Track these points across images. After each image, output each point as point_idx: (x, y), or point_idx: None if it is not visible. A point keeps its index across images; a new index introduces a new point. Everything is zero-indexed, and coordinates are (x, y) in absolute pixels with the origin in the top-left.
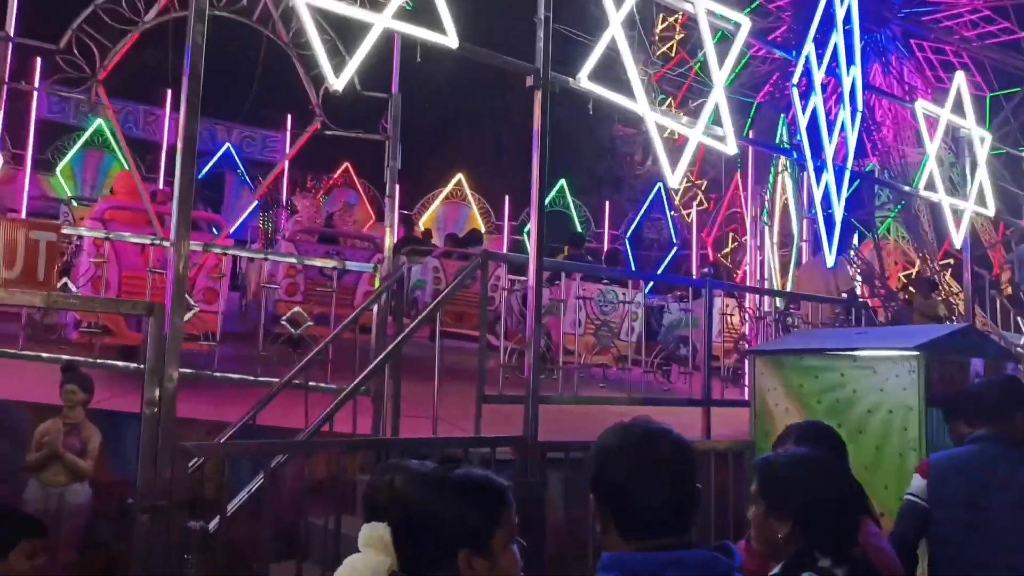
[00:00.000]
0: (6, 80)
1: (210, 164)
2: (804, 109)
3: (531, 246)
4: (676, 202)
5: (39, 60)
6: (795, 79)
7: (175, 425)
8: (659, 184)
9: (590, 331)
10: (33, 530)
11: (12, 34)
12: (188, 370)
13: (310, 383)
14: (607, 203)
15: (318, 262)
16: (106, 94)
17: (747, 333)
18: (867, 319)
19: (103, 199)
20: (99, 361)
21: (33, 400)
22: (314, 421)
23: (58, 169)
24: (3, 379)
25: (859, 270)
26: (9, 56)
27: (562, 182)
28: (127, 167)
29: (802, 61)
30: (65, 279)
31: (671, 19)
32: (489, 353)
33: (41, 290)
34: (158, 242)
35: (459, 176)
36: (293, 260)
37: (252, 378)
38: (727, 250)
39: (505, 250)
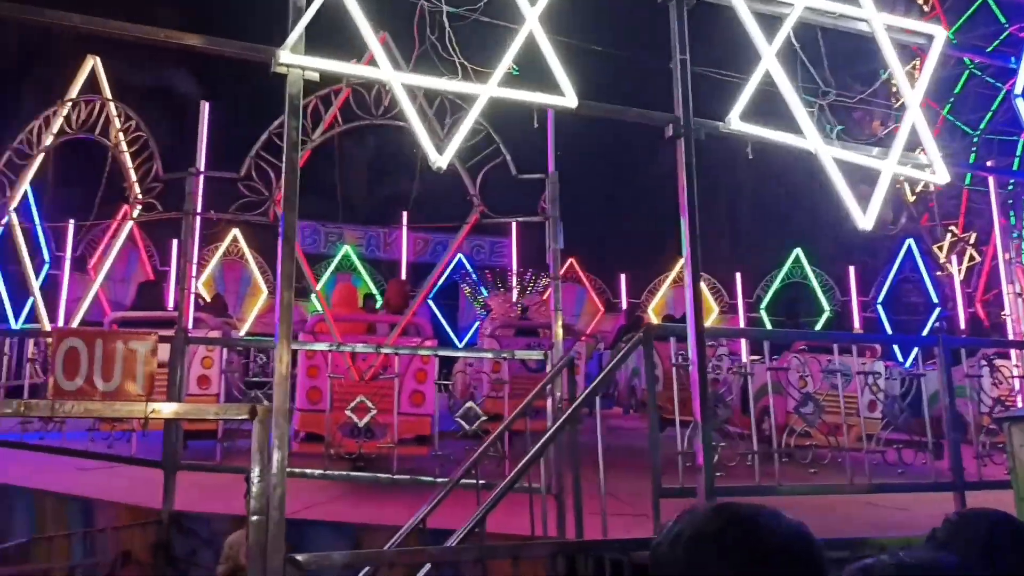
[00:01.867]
0: (198, 211)
1: (444, 274)
2: None
3: (688, 315)
4: (942, 258)
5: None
6: (1019, 89)
7: (284, 533)
8: (908, 241)
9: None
10: None
11: (203, 168)
12: (361, 474)
13: (480, 481)
14: (850, 268)
15: (488, 354)
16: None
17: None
18: None
19: (315, 314)
20: (297, 470)
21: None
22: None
23: (312, 296)
24: (209, 493)
25: None
26: (201, 189)
27: (797, 251)
28: (373, 288)
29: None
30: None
31: None
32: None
33: (140, 401)
34: (334, 347)
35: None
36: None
37: (429, 479)
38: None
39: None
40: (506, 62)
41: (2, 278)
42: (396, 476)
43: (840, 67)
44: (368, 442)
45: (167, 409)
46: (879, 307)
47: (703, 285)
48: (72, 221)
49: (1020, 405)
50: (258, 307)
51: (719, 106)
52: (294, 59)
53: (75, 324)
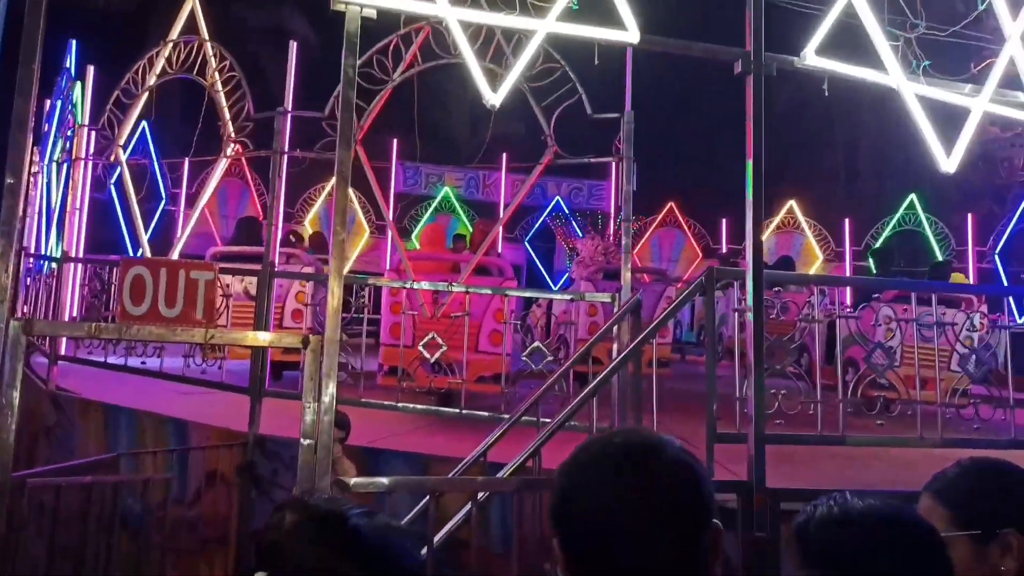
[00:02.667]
0: (285, 150)
1: (542, 217)
2: None
3: (748, 261)
4: None
5: (395, 141)
6: None
7: (331, 457)
8: None
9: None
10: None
11: (290, 108)
12: (423, 407)
13: (536, 419)
14: (969, 216)
15: (557, 296)
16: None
17: None
18: None
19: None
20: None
21: None
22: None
23: (413, 235)
24: (293, 419)
25: None
26: (288, 128)
27: (911, 197)
28: (470, 228)
29: None
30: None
31: None
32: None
33: (199, 327)
34: (405, 285)
35: (790, 202)
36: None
37: (493, 415)
38: None
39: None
40: None
41: (123, 212)
42: (463, 411)
43: None
44: (443, 378)
45: (225, 335)
46: (996, 257)
47: (809, 233)
48: (187, 159)
49: None
50: (360, 245)
51: (793, 41)
52: None
53: (175, 255)
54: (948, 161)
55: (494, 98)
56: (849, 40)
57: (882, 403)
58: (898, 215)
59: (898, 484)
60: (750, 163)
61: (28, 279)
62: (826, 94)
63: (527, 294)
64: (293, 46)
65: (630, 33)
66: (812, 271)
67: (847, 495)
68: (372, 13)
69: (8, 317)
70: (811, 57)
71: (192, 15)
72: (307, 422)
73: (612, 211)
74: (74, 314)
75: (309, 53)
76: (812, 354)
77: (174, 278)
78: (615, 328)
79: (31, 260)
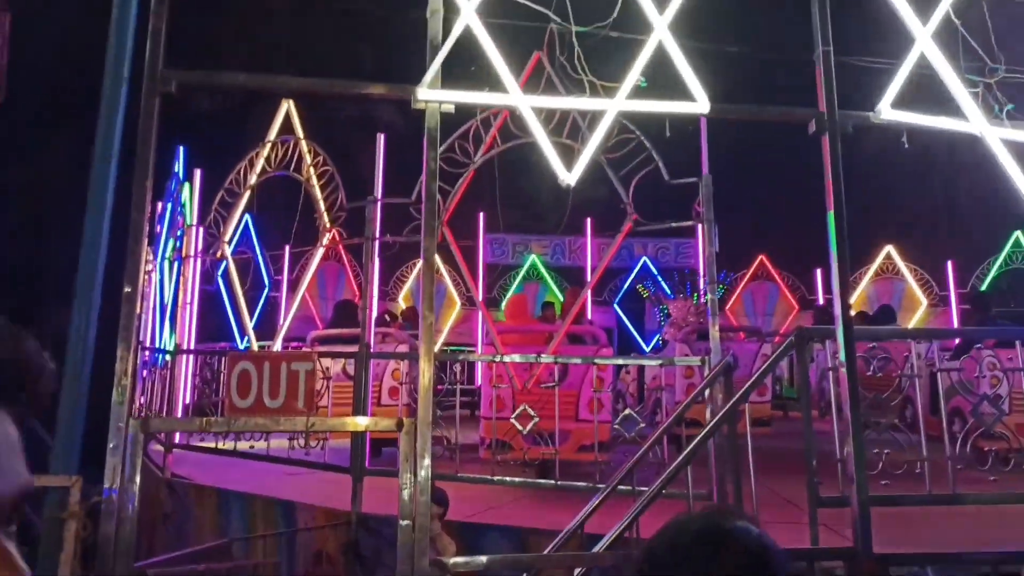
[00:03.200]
0: (376, 236)
1: (630, 279)
2: None
3: (837, 317)
4: None
5: (481, 215)
6: None
7: (428, 536)
8: None
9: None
10: None
11: (380, 197)
12: (519, 480)
13: (632, 488)
14: None
15: (622, 360)
16: (452, 234)
17: None
18: None
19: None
20: (471, 476)
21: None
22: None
23: (502, 305)
24: (394, 496)
25: None
26: (378, 215)
27: (1016, 235)
28: (558, 294)
29: None
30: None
31: None
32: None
33: (301, 416)
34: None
35: (888, 248)
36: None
37: (587, 485)
38: None
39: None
40: (634, 74)
41: (229, 303)
42: (559, 483)
43: (1013, 36)
44: (540, 448)
45: (325, 422)
46: None
47: (910, 278)
48: (287, 247)
49: None
50: (452, 318)
51: (862, 96)
52: (430, 95)
53: (279, 340)
54: None
55: (569, 178)
56: (929, 89)
57: (994, 456)
58: (1004, 253)
59: (1015, 542)
60: (832, 221)
61: (144, 371)
62: (905, 146)
63: (619, 362)
64: (380, 138)
65: (700, 104)
66: (916, 317)
67: None
68: (451, 108)
69: (127, 416)
70: (887, 111)
71: (288, 116)
72: (404, 501)
73: (701, 269)
74: (187, 401)
75: (396, 138)
76: (915, 406)
77: (276, 371)
78: (707, 391)
79: (147, 353)
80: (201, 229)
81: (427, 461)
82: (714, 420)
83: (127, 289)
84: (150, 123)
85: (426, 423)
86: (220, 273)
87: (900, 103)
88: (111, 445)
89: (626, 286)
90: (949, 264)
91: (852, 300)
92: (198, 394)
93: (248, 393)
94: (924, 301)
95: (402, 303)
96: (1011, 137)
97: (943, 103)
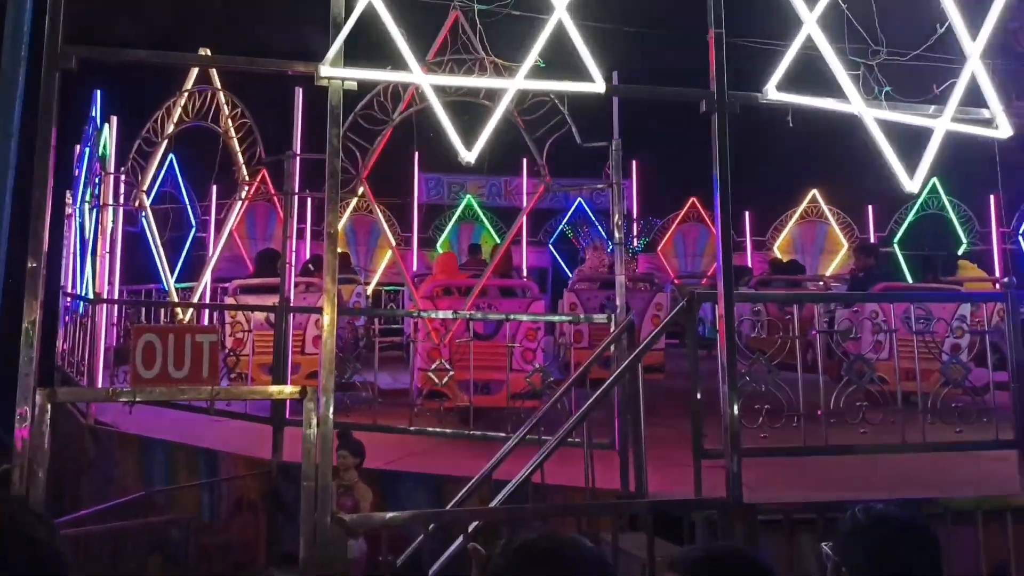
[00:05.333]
0: (295, 191)
1: (564, 221)
2: None
3: (720, 284)
4: None
5: (415, 153)
6: None
7: (328, 496)
8: None
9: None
10: None
11: (297, 151)
12: (432, 430)
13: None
14: (991, 197)
15: (525, 318)
16: (371, 190)
17: None
18: None
19: (429, 279)
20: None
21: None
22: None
23: (438, 244)
24: None
25: None
26: (297, 169)
27: (933, 181)
28: (494, 235)
29: None
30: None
31: None
32: None
33: (206, 386)
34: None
35: (813, 192)
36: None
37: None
38: None
39: None
40: (533, 54)
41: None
42: (472, 432)
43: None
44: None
45: (229, 391)
46: (1020, 238)
47: (833, 221)
48: (214, 186)
49: None
50: (387, 258)
51: (762, 75)
52: (333, 72)
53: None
54: (912, 182)
55: (469, 156)
56: (820, 69)
57: (864, 411)
58: (921, 199)
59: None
60: (717, 196)
61: (66, 317)
62: (790, 125)
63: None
64: (299, 92)
65: (596, 84)
66: (837, 259)
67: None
68: (353, 85)
69: (35, 387)
70: (772, 92)
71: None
72: (307, 464)
73: (634, 213)
74: (110, 343)
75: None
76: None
77: (181, 342)
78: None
79: (68, 299)
80: (119, 177)
81: (326, 426)
82: (614, 375)
83: (31, 264)
84: (51, 100)
85: (327, 389)
86: (143, 215)
87: (794, 81)
88: (18, 414)
89: (560, 227)
90: (869, 208)
91: (779, 242)
92: (123, 337)
93: (153, 364)
94: (845, 244)
95: None
96: (886, 117)
97: (833, 82)
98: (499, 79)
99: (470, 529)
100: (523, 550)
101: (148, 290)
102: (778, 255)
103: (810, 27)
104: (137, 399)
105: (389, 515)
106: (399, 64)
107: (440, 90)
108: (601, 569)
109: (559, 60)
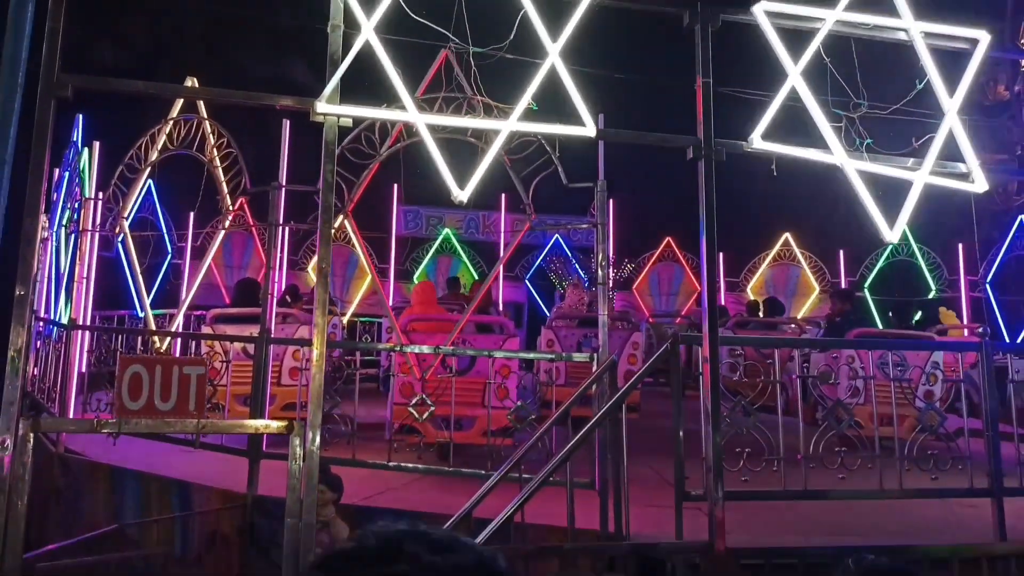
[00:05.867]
0: (279, 222)
1: (541, 256)
2: None
3: (704, 328)
4: None
5: (395, 187)
6: None
7: (313, 534)
8: (1021, 217)
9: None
10: None
11: (283, 183)
12: (412, 466)
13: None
14: (960, 246)
15: (500, 354)
16: (356, 225)
17: None
18: None
19: (406, 312)
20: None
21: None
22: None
23: (415, 276)
24: None
25: None
26: (282, 202)
27: (903, 229)
28: (471, 270)
29: None
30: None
31: None
32: None
33: (192, 419)
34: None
35: (786, 235)
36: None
37: (475, 471)
38: None
39: None
40: (527, 97)
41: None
42: (450, 468)
43: (876, 75)
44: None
45: (216, 425)
46: (987, 286)
47: (805, 264)
48: (192, 214)
49: None
50: (364, 288)
51: (747, 122)
52: (329, 108)
53: (182, 311)
54: (891, 232)
55: (462, 195)
56: (804, 120)
57: (842, 457)
58: (891, 247)
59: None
60: (703, 241)
61: (38, 342)
62: (774, 174)
63: (512, 355)
64: (286, 124)
65: (588, 128)
66: (808, 303)
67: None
68: (348, 122)
69: (18, 416)
70: (758, 141)
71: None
72: (291, 500)
73: (611, 252)
74: (83, 370)
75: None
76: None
77: (168, 374)
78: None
79: (41, 324)
80: (99, 202)
81: (312, 463)
82: (598, 415)
83: (19, 292)
84: (45, 127)
85: (314, 426)
86: (119, 240)
87: (778, 130)
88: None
89: (537, 263)
90: (840, 253)
91: (752, 284)
92: (95, 364)
93: (139, 396)
94: (816, 287)
95: (311, 272)
96: (867, 169)
97: (815, 132)
98: (493, 120)
99: None
100: None
101: (120, 316)
102: (751, 296)
103: (795, 79)
104: (123, 430)
105: None
106: (389, 98)
107: (431, 127)
108: None
109: (545, 101)
